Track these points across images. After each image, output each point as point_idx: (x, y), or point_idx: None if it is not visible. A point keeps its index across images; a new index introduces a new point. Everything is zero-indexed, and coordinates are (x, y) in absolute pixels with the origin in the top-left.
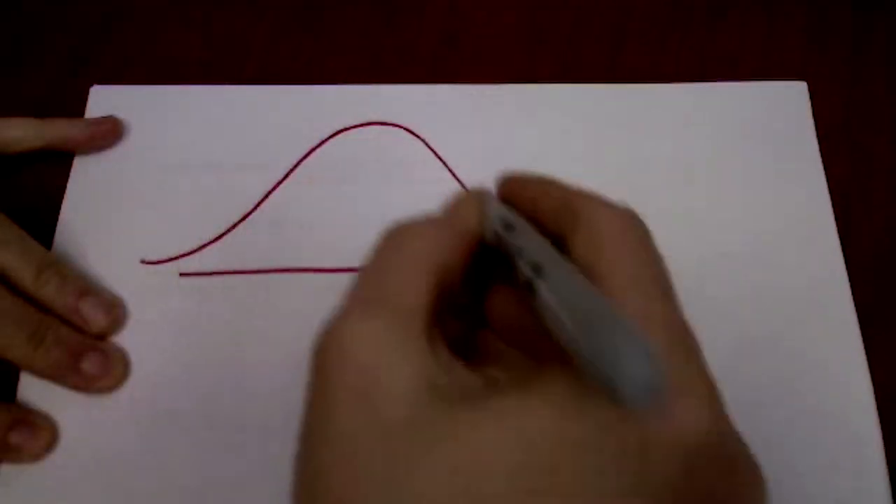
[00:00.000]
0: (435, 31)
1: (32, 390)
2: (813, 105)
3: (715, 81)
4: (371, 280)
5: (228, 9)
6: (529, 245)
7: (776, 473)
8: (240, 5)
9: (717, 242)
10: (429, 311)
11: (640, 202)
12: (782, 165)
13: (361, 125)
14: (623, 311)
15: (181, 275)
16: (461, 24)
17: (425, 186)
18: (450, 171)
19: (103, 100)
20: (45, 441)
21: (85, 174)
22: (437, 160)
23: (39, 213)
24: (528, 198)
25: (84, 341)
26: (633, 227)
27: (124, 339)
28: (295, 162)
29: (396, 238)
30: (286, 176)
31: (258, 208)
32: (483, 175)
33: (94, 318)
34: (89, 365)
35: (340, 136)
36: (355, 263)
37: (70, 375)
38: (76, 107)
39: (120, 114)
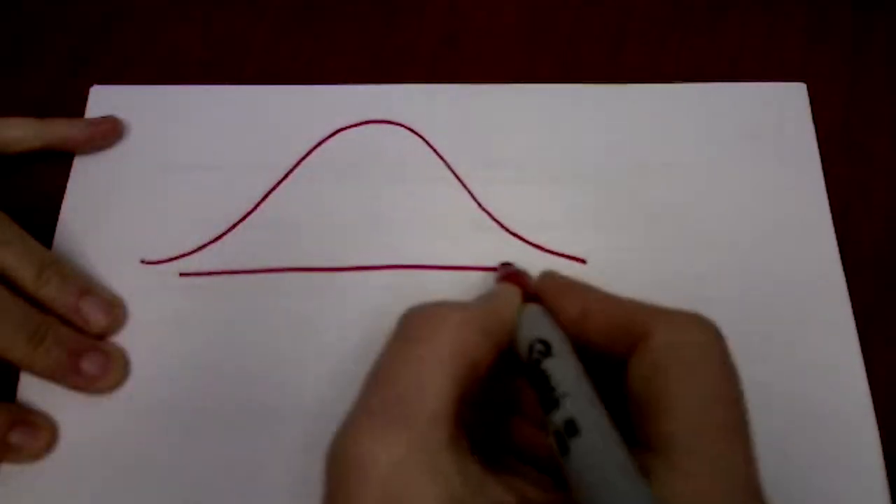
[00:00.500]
0: (435, 31)
1: (32, 390)
2: (813, 106)
3: (715, 81)
4: (390, 379)
5: (228, 9)
6: (565, 383)
7: (773, 474)
8: (240, 5)
9: (715, 243)
10: (453, 417)
11: (640, 202)
12: (782, 166)
13: (361, 124)
14: (668, 477)
15: (181, 275)
16: (461, 24)
17: (425, 186)
18: (451, 170)
19: (103, 100)
20: (45, 441)
21: (85, 174)
22: (438, 159)
23: (39, 213)
24: (573, 308)
25: (84, 341)
26: (706, 352)
27: (124, 338)
28: (295, 162)
29: (421, 325)
30: (286, 176)
31: (258, 208)
32: (483, 174)
33: (95, 317)
34: (89, 365)
35: (340, 135)
36: (355, 263)
37: (70, 375)
38: (76, 107)
39: (120, 114)
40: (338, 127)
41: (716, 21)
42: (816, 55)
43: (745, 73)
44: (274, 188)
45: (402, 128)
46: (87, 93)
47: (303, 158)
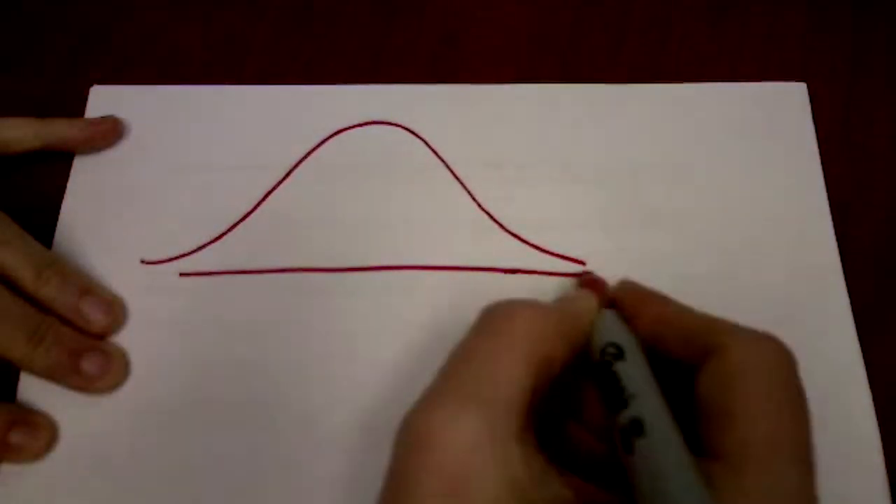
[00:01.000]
0: (435, 31)
1: (32, 390)
2: (812, 106)
3: (715, 81)
4: (468, 366)
5: (228, 9)
6: (634, 384)
7: None
8: (240, 5)
9: (715, 242)
10: (525, 407)
11: (640, 202)
12: (782, 166)
13: (361, 125)
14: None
15: (181, 275)
16: (461, 24)
17: (425, 186)
18: (450, 170)
19: (103, 100)
20: (44, 441)
21: (85, 174)
22: (438, 160)
23: (39, 213)
24: (651, 315)
25: (84, 341)
26: (780, 372)
27: (124, 339)
28: (295, 162)
29: (501, 319)
30: (286, 176)
31: (258, 208)
32: (483, 175)
33: (95, 317)
34: (89, 365)
35: (340, 135)
36: (355, 263)
37: (70, 375)
38: (76, 107)
39: (120, 114)
40: (338, 127)
41: (716, 21)
42: (816, 55)
43: (745, 72)
44: (274, 188)
45: (402, 128)
46: (87, 93)
47: (303, 158)
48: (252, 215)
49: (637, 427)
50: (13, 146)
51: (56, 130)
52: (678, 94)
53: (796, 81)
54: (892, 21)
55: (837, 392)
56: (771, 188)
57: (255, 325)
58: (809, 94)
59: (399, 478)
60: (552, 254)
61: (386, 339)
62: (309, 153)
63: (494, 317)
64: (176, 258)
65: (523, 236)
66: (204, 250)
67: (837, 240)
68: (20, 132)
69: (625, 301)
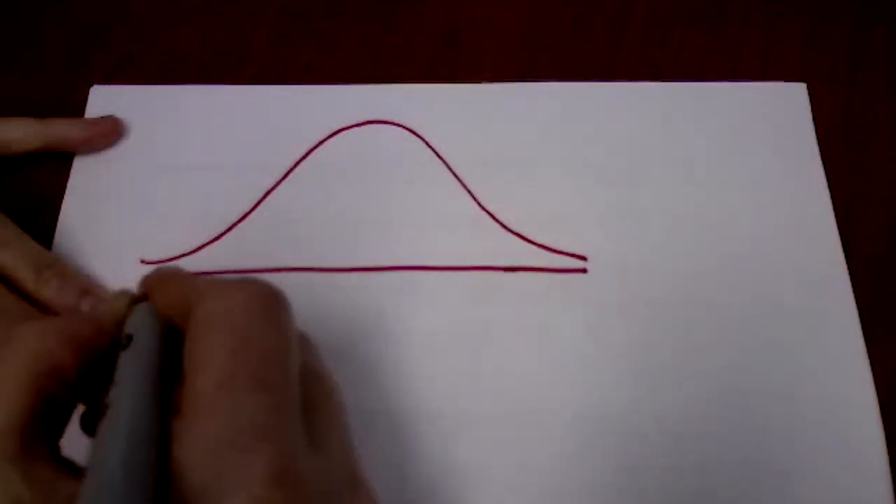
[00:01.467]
0: (435, 30)
1: None
2: (813, 106)
3: (715, 81)
4: None
5: (228, 9)
6: (123, 373)
7: (779, 473)
8: (240, 5)
9: (716, 243)
10: (22, 427)
11: (640, 202)
12: (782, 166)
13: (361, 124)
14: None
15: None
16: (461, 24)
17: (425, 186)
18: (450, 170)
19: (103, 100)
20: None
21: (85, 174)
22: (438, 160)
23: (39, 213)
24: (162, 298)
25: None
26: (238, 313)
27: None
28: (295, 162)
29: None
30: (286, 176)
31: (258, 208)
32: (482, 174)
33: None
34: None
35: (340, 135)
36: (355, 263)
37: None
38: (76, 107)
39: (120, 114)
40: (338, 127)
41: (716, 21)
42: (816, 55)
43: (745, 73)
44: (274, 188)
45: (402, 128)
46: (87, 93)
47: (303, 158)
48: (252, 215)
49: (103, 410)
50: (14, 147)
51: (56, 131)
52: (678, 94)
53: (796, 81)
54: (892, 21)
55: (842, 391)
56: (772, 188)
57: None
58: (809, 94)
59: None
60: (553, 250)
61: (386, 340)
62: (309, 153)
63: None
64: (176, 258)
65: (524, 235)
66: (204, 250)
67: (839, 239)
68: (21, 133)
69: (149, 290)
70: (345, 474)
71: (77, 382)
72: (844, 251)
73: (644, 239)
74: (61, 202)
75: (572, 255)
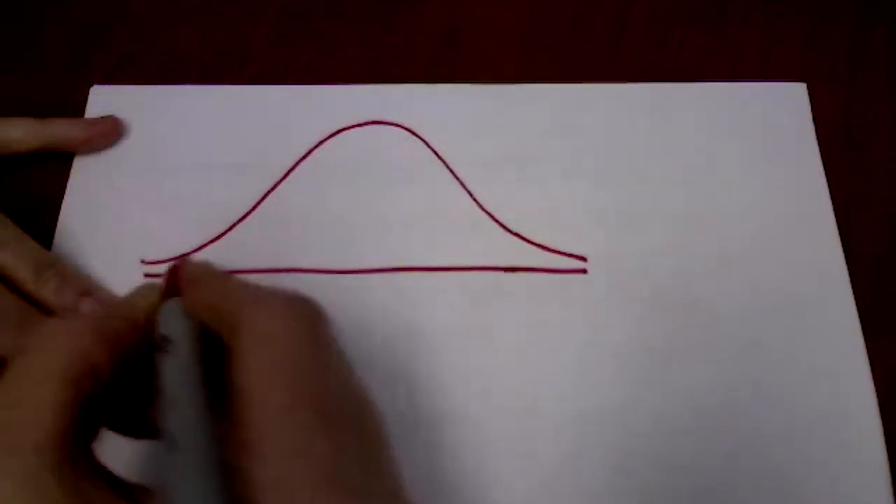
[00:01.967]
0: (435, 30)
1: None
2: (812, 106)
3: (715, 81)
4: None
5: (228, 9)
6: (173, 385)
7: (778, 473)
8: (240, 5)
9: (716, 243)
10: (62, 440)
11: (640, 202)
12: (782, 166)
13: (361, 125)
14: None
15: None
16: (461, 24)
17: (425, 186)
18: (450, 170)
19: (103, 100)
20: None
21: (85, 174)
22: (438, 160)
23: (39, 213)
24: (197, 298)
25: None
26: (294, 340)
27: None
28: (295, 162)
29: (30, 341)
30: (286, 176)
31: (258, 208)
32: (482, 174)
33: None
34: None
35: (340, 135)
36: (355, 263)
37: None
38: (76, 107)
39: (120, 114)
40: (338, 127)
41: (716, 21)
42: (816, 55)
43: (745, 73)
44: (274, 188)
45: (402, 128)
46: (87, 93)
47: (303, 158)
48: (252, 215)
49: (172, 442)
50: (14, 146)
51: (56, 131)
52: (678, 94)
53: (796, 81)
54: (892, 21)
55: (841, 390)
56: (771, 188)
57: None
58: (809, 94)
59: None
60: (552, 251)
61: (386, 340)
62: (309, 153)
63: (31, 337)
64: (176, 258)
65: (524, 235)
66: (204, 250)
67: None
68: (20, 132)
69: (182, 286)
70: None
71: (111, 382)
72: (844, 251)
73: (644, 239)
74: (61, 202)
75: (572, 256)
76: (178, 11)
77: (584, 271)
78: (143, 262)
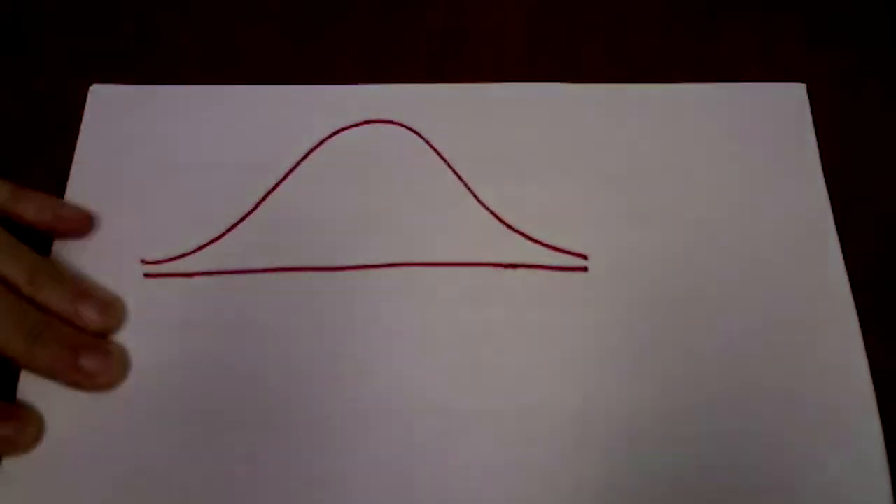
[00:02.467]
0: (435, 30)
1: (32, 390)
2: (812, 107)
3: (715, 81)
4: None
5: (228, 9)
6: None
7: (778, 473)
8: (240, 5)
9: (715, 242)
10: None
11: (640, 201)
12: (782, 166)
13: (361, 124)
14: None
15: (181, 275)
16: (461, 24)
17: (426, 185)
18: (451, 168)
19: (103, 99)
20: (32, 434)
21: (85, 174)
22: (438, 158)
23: None
24: None
25: (83, 338)
26: None
27: (124, 338)
28: (295, 162)
29: None
30: (286, 176)
31: (258, 208)
32: (483, 173)
33: (92, 319)
34: (88, 361)
35: (340, 135)
36: (356, 263)
37: (69, 372)
38: (76, 107)
39: (120, 114)
40: (338, 127)
41: (716, 21)
42: (816, 55)
43: (745, 73)
44: (274, 188)
45: (403, 128)
46: (87, 93)
47: (303, 158)
48: (252, 215)
49: None
50: None
51: (27, 208)
52: (678, 94)
53: (796, 82)
54: (892, 21)
55: (841, 391)
56: (771, 188)
57: (256, 324)
58: (809, 94)
59: None
60: (553, 248)
61: (388, 338)
62: (309, 153)
63: None
64: (176, 258)
65: (524, 232)
66: (204, 250)
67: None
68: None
69: None
70: None
71: None
72: (843, 251)
73: (644, 238)
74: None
75: (573, 254)
76: (177, 11)
77: (584, 269)
78: (142, 262)
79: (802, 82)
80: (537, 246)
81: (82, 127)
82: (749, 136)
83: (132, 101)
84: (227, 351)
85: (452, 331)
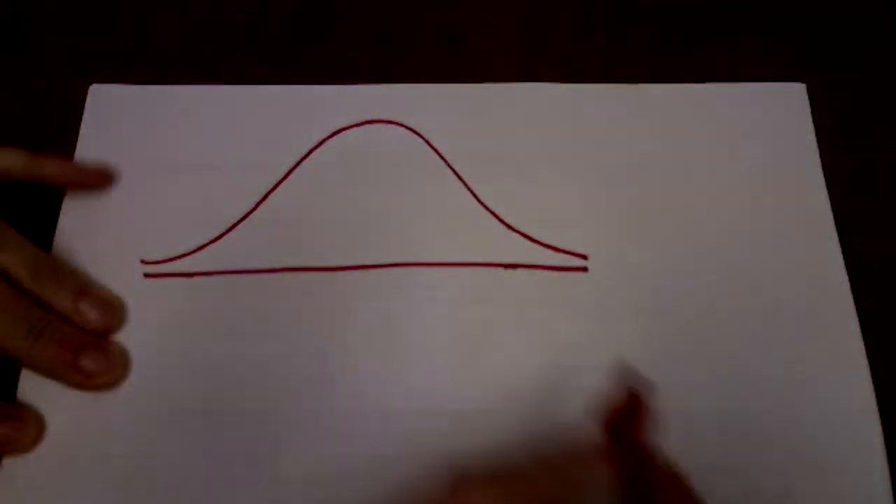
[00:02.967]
0: (435, 30)
1: (32, 389)
2: (812, 106)
3: (715, 82)
4: None
5: (229, 9)
6: None
7: (778, 474)
8: (240, 5)
9: (715, 242)
10: None
11: (640, 201)
12: (782, 167)
13: (361, 124)
14: None
15: (181, 275)
16: (462, 24)
17: (426, 185)
18: (451, 168)
19: (103, 99)
20: (32, 434)
21: None
22: (439, 159)
23: (39, 213)
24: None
25: (83, 337)
26: None
27: (124, 338)
28: (295, 162)
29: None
30: (286, 176)
31: (258, 208)
32: (483, 173)
33: (92, 317)
34: (88, 361)
35: (340, 135)
36: (356, 262)
37: (69, 371)
38: (76, 106)
39: (120, 114)
40: (338, 127)
41: (716, 21)
42: (816, 56)
43: (744, 74)
44: (274, 188)
45: (403, 128)
46: (87, 92)
47: (303, 158)
48: (252, 215)
49: None
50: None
51: (46, 168)
52: (678, 95)
53: (796, 81)
54: (892, 21)
55: (841, 391)
56: (771, 188)
57: (256, 324)
58: (809, 94)
59: None
60: (554, 248)
61: (386, 337)
62: (309, 153)
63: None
64: (176, 258)
65: (524, 233)
66: (204, 250)
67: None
68: (8, 162)
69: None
70: None
71: None
72: (843, 251)
73: (644, 238)
74: (61, 202)
75: (573, 254)
76: (178, 11)
77: (584, 269)
78: (142, 262)
79: (803, 82)
80: (537, 246)
81: (82, 127)
82: (749, 136)
83: (132, 101)
84: (227, 351)
85: (452, 331)
